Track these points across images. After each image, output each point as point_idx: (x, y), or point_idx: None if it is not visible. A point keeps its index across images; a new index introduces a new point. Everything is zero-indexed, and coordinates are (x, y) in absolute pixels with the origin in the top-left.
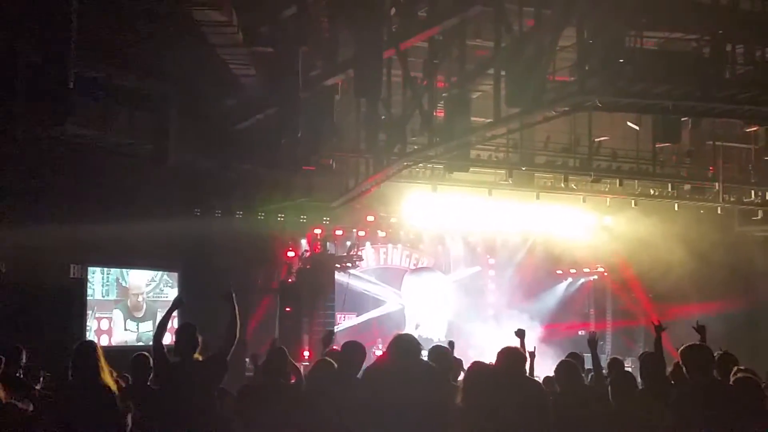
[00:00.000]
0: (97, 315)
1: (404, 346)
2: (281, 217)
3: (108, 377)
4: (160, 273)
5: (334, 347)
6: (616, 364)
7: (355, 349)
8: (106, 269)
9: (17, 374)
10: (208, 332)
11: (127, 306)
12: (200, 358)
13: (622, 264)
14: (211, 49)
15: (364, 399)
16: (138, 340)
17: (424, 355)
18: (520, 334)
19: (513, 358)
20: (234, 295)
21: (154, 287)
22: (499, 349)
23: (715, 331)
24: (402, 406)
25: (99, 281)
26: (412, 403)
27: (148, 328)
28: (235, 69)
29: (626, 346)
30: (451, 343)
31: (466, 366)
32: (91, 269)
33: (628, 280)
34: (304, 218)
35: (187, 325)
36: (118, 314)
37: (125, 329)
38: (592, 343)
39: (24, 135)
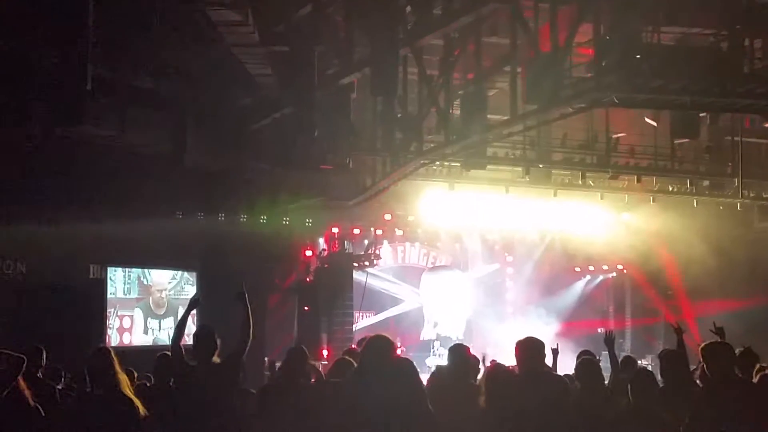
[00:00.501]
0: (119, 313)
1: (376, 346)
2: (286, 220)
3: (126, 388)
4: (180, 271)
5: (353, 346)
6: (629, 362)
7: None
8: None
9: (38, 374)
10: (226, 331)
11: (148, 304)
12: (217, 361)
13: (641, 261)
14: (227, 48)
15: (348, 400)
16: (155, 342)
17: (443, 354)
18: (554, 353)
19: (532, 349)
20: (246, 294)
21: (176, 285)
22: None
23: (735, 328)
24: (376, 405)
25: (120, 279)
26: (385, 403)
27: (169, 324)
28: (251, 68)
29: (646, 343)
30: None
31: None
32: (112, 267)
33: (648, 277)
34: (309, 222)
35: (205, 328)
36: (138, 313)
37: (147, 328)
38: (609, 341)
39: (41, 135)
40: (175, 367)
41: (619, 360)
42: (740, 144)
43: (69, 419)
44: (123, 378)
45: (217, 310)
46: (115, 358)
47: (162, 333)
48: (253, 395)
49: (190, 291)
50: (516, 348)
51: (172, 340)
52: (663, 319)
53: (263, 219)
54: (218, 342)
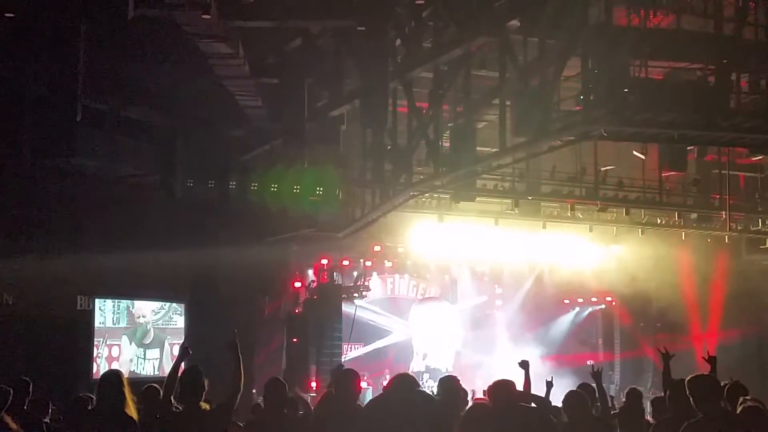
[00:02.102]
0: (108, 342)
1: (405, 379)
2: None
3: (132, 409)
4: (169, 302)
5: None
6: (634, 395)
7: (347, 378)
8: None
9: (24, 407)
10: (214, 362)
11: (134, 332)
12: (206, 407)
13: (630, 293)
14: (218, 80)
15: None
16: (139, 371)
17: (432, 387)
18: (525, 365)
19: (501, 392)
20: (238, 345)
21: (163, 315)
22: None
23: (724, 360)
24: None
25: (110, 309)
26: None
27: (155, 355)
28: (241, 100)
29: (636, 375)
30: None
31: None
32: (100, 299)
33: (637, 309)
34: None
35: (194, 369)
36: (125, 340)
37: (134, 356)
38: (597, 375)
39: (31, 166)
40: (162, 414)
41: (614, 391)
42: (728, 177)
43: None
44: (129, 398)
45: (205, 341)
46: (125, 380)
47: (147, 363)
48: (239, 427)
49: (179, 321)
50: (487, 394)
51: (163, 393)
52: (651, 352)
53: (253, 250)
54: (206, 383)
